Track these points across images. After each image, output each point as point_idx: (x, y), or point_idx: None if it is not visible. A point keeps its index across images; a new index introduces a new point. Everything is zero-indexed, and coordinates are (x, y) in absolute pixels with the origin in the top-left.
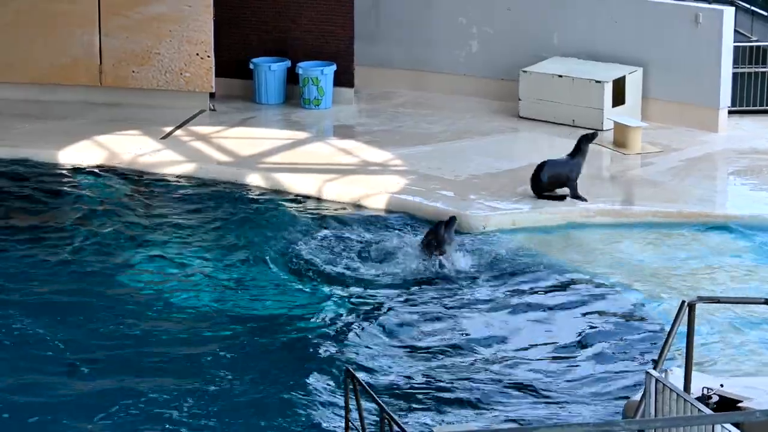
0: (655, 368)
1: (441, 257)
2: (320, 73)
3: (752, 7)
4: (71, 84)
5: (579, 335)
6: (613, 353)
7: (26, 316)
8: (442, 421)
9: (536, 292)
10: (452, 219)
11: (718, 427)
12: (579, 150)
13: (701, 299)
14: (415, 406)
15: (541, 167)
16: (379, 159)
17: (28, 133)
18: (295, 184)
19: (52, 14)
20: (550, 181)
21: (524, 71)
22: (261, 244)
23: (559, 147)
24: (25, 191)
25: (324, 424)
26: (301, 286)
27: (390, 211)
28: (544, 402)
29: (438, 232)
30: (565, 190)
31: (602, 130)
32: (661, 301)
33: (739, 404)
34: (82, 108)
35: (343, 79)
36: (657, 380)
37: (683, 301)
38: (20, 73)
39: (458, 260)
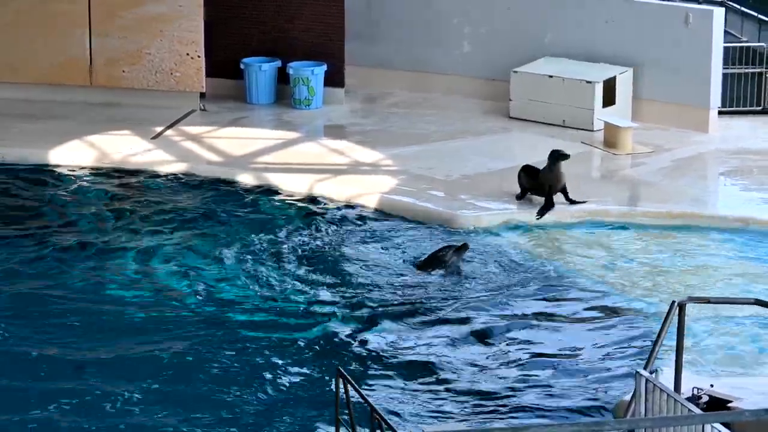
0: (645, 368)
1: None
2: (311, 73)
3: (742, 8)
4: (62, 84)
5: (569, 335)
6: (603, 353)
7: (15, 315)
8: (433, 420)
9: (526, 293)
10: (464, 246)
11: (708, 427)
12: (548, 165)
13: (691, 299)
14: (405, 405)
15: (523, 170)
16: (371, 159)
17: (19, 133)
18: (286, 183)
19: (49, 15)
20: (529, 186)
21: (515, 72)
22: (252, 244)
23: (550, 147)
24: (15, 191)
25: (314, 424)
26: (292, 287)
27: (381, 211)
28: (533, 401)
29: (445, 256)
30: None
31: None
32: (651, 301)
33: (729, 404)
34: (72, 108)
35: (334, 79)
36: (647, 380)
37: (673, 302)
38: (12, 74)
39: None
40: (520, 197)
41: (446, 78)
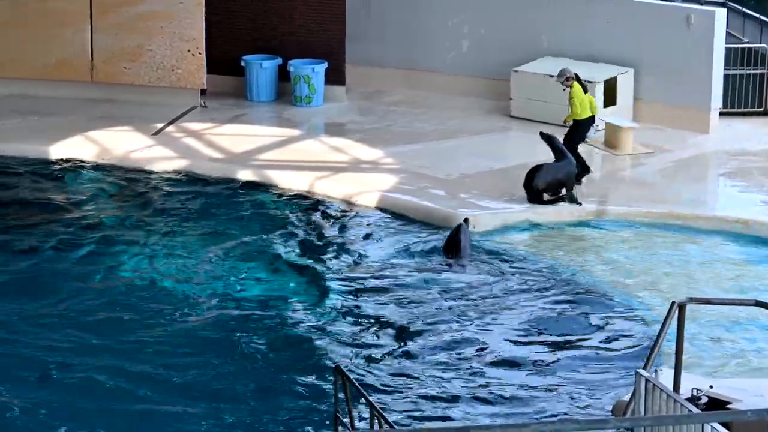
0: (644, 368)
1: (457, 261)
2: (311, 71)
3: (744, 9)
4: (63, 80)
5: (569, 334)
6: (603, 352)
7: (11, 311)
8: (432, 416)
9: (526, 292)
10: (465, 220)
11: (707, 427)
12: (560, 150)
13: (691, 300)
14: (404, 402)
15: (533, 173)
16: (371, 157)
17: (19, 129)
18: (286, 181)
19: (50, 10)
20: (546, 188)
21: (515, 71)
22: (252, 240)
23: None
24: (15, 186)
25: (314, 420)
26: (292, 283)
27: (380, 209)
28: (534, 399)
29: (458, 238)
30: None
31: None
32: (651, 301)
33: (728, 406)
34: (73, 104)
35: (335, 77)
36: (647, 380)
37: (673, 302)
38: (12, 69)
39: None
40: (538, 200)
41: (446, 77)
